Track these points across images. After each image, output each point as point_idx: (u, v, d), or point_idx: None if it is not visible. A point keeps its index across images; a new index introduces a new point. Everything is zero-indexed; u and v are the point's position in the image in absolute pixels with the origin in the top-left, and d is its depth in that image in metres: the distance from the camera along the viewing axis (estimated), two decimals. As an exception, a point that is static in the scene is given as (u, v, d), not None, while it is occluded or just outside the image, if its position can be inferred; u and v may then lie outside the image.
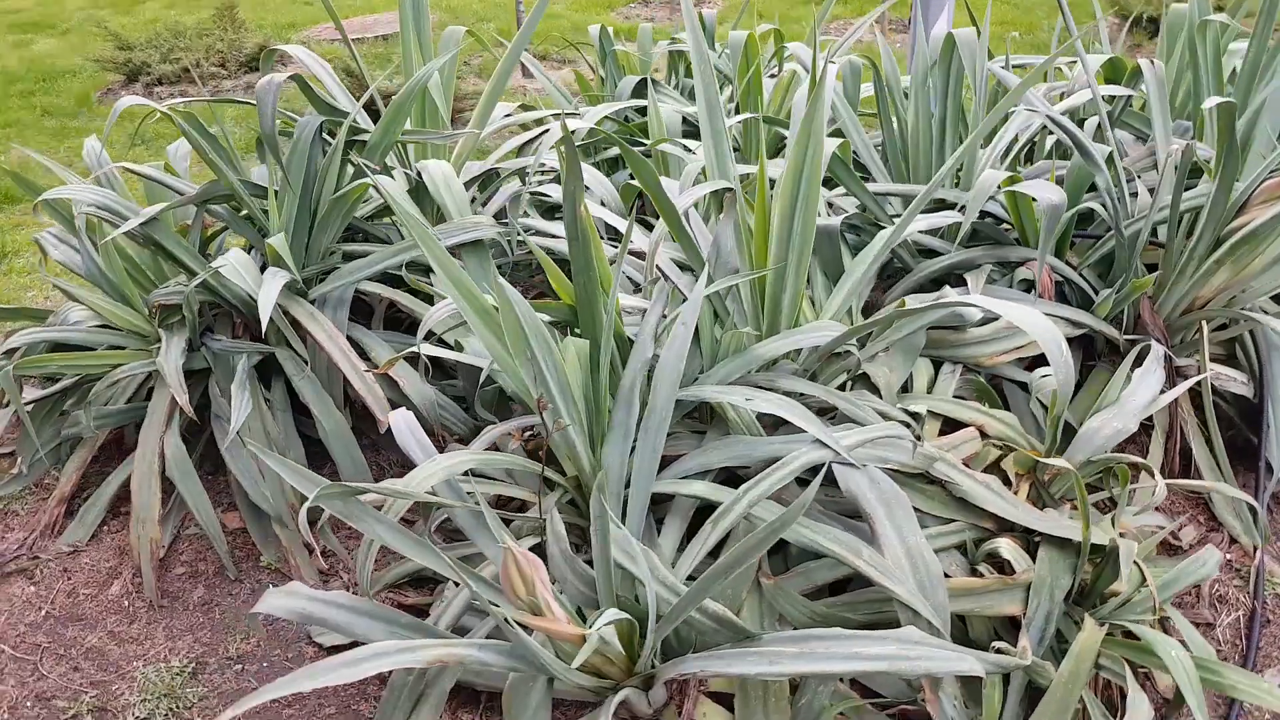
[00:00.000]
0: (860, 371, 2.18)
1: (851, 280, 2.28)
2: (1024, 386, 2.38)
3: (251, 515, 2.63)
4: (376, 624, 1.84)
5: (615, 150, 3.51)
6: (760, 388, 2.06)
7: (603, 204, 2.89)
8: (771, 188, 2.08)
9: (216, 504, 2.67)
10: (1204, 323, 2.53)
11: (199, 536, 2.69)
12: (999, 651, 1.82)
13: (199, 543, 2.68)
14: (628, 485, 1.96)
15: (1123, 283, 2.49)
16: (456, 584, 2.13)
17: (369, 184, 2.71)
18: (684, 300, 2.13)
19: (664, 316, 2.09)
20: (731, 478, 2.07)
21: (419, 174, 2.95)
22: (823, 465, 1.84)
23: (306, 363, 2.56)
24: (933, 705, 1.83)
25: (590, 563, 1.81)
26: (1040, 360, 2.48)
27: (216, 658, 2.34)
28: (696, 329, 2.17)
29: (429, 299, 2.87)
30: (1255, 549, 2.38)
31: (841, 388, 2.19)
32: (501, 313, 1.76)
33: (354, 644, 2.20)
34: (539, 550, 2.09)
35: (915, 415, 2.12)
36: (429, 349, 2.37)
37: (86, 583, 2.57)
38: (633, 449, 1.92)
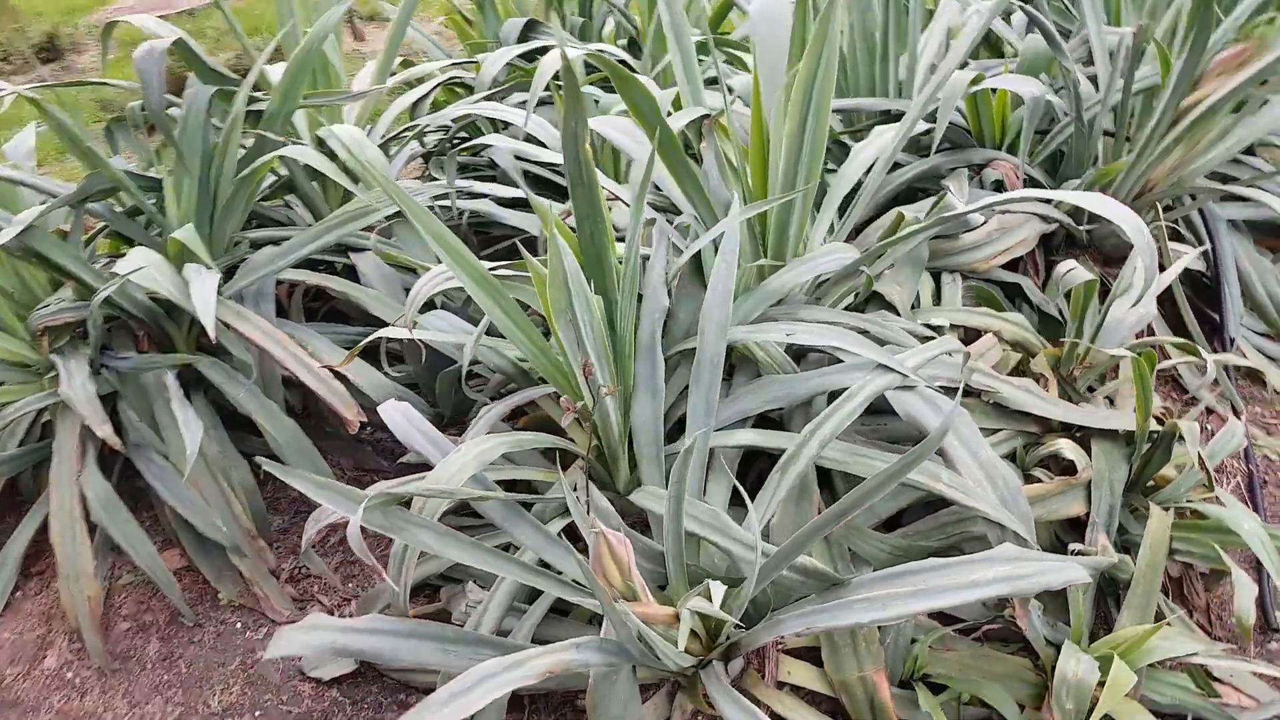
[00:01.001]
0: (870, 291, 2.10)
1: (838, 200, 2.18)
2: (1017, 287, 2.37)
3: (199, 550, 2.32)
4: (425, 644, 1.64)
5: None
6: (779, 320, 1.94)
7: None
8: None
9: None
10: (1158, 205, 2.59)
11: (136, 584, 2.36)
12: (1081, 553, 1.80)
13: (138, 591, 2.35)
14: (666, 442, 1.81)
15: (1085, 173, 2.51)
16: (479, 583, 1.94)
17: (275, 158, 2.41)
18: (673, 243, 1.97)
19: (669, 261, 1.93)
20: (764, 422, 1.95)
21: (320, 142, 2.66)
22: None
23: (251, 369, 2.25)
24: (1023, 620, 1.79)
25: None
26: (1013, 264, 2.49)
27: (199, 716, 2.06)
28: (701, 267, 2.03)
29: (359, 278, 2.61)
30: (1239, 415, 2.47)
31: (852, 309, 2.10)
32: (551, 268, 1.56)
33: (363, 670, 2.00)
34: (570, 532, 1.93)
35: (936, 328, 2.05)
36: (395, 332, 2.13)
37: (12, 660, 2.21)
38: (675, 403, 1.77)
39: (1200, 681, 1.78)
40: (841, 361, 1.87)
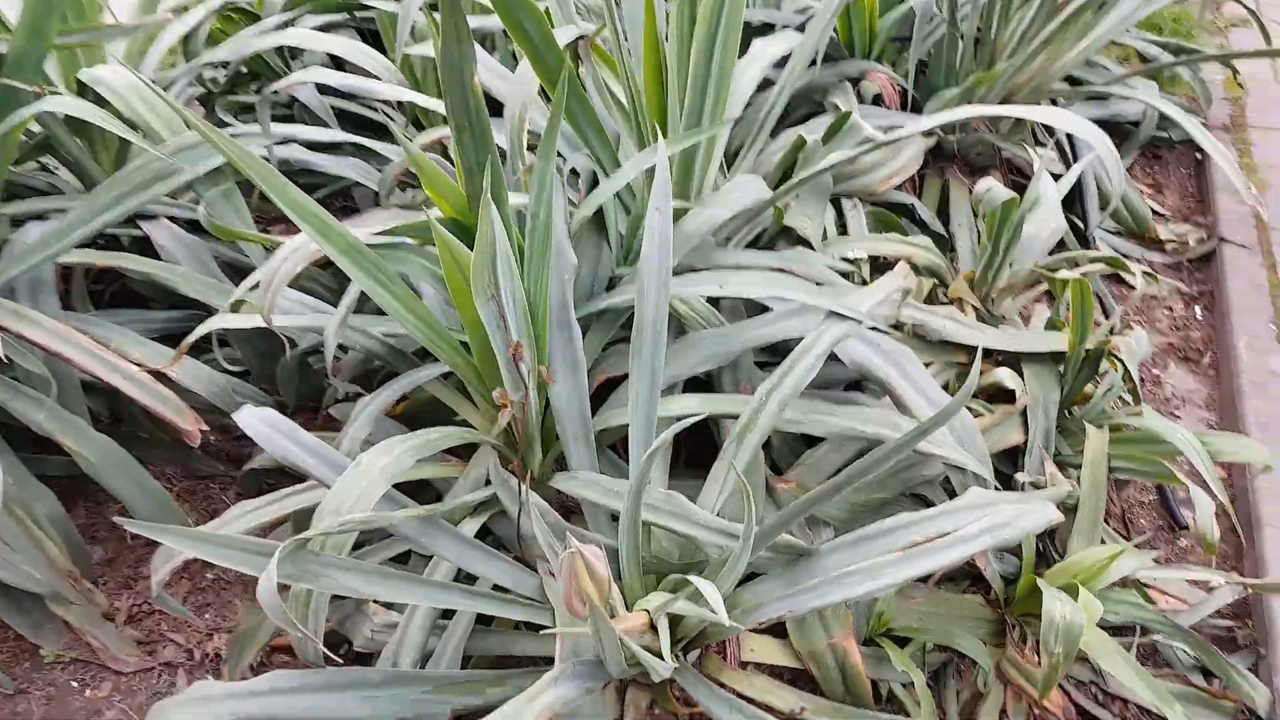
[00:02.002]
0: (780, 226, 1.95)
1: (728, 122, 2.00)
2: (906, 208, 2.30)
3: (8, 603, 1.91)
4: (347, 695, 1.40)
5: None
6: (698, 269, 1.77)
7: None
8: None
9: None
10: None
11: (-76, 659, 1.93)
12: (1033, 485, 1.76)
13: (-73, 667, 1.92)
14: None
15: (956, 80, 2.46)
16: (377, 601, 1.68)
17: (33, 114, 1.95)
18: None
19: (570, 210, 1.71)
20: (692, 386, 1.79)
21: (81, 90, 2.19)
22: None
23: (49, 383, 1.84)
24: (982, 561, 1.75)
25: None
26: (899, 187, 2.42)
27: (46, 810, 1.70)
28: (601, 216, 1.81)
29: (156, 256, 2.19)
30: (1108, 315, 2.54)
31: (761, 248, 1.96)
32: (480, 242, 1.29)
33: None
34: (486, 534, 1.70)
35: (853, 261, 1.94)
36: (233, 321, 1.79)
37: None
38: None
39: (1141, 593, 1.81)
40: (769, 310, 1.72)
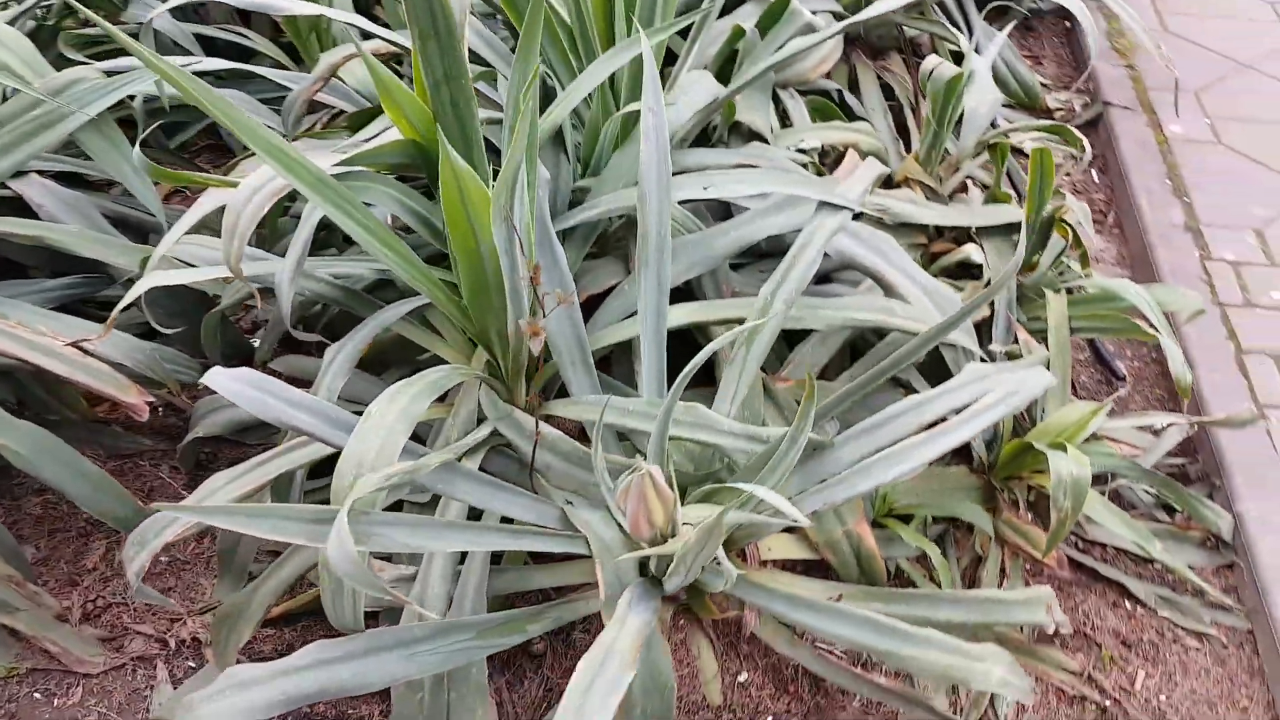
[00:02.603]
0: (731, 122, 1.92)
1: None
2: (831, 95, 2.30)
3: (-58, 622, 1.72)
4: (389, 656, 1.33)
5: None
6: (687, 175, 1.72)
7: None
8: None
9: None
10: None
11: None
12: (1009, 355, 1.83)
13: None
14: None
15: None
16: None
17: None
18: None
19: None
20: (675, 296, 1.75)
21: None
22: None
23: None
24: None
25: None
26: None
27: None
28: (560, 130, 1.73)
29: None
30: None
31: (708, 143, 1.92)
32: (509, 162, 1.19)
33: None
34: (490, 466, 1.64)
35: (806, 151, 1.93)
36: (176, 278, 1.62)
37: None
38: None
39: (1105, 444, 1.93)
40: (737, 211, 1.70)
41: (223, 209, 1.45)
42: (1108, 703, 1.71)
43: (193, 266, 1.78)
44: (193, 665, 1.77)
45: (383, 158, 1.53)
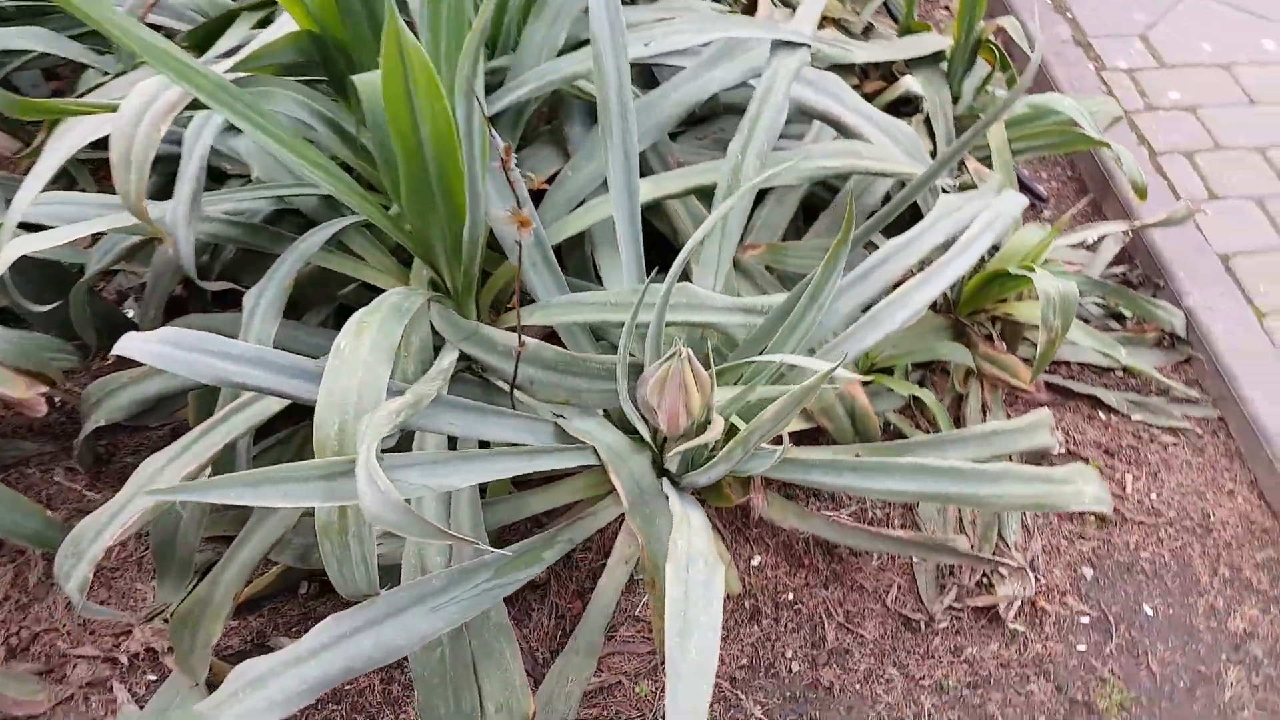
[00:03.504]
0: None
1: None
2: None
3: None
4: (437, 605, 1.19)
5: None
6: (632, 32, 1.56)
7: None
8: None
9: None
10: None
11: None
12: (963, 186, 1.79)
13: None
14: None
15: None
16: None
17: None
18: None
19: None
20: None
21: None
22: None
23: None
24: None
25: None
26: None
27: None
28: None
29: None
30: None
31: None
32: (481, 10, 1.00)
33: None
34: (455, 393, 1.49)
35: None
36: (46, 241, 1.37)
37: None
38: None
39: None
40: (683, 69, 1.57)
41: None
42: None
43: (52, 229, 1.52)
44: (153, 679, 1.57)
45: (277, 56, 1.31)
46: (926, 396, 1.67)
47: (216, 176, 1.81)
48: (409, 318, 1.25)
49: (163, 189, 1.60)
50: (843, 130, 1.58)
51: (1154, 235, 2.02)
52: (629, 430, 1.44)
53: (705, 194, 1.50)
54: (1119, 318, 1.99)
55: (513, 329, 1.49)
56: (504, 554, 1.33)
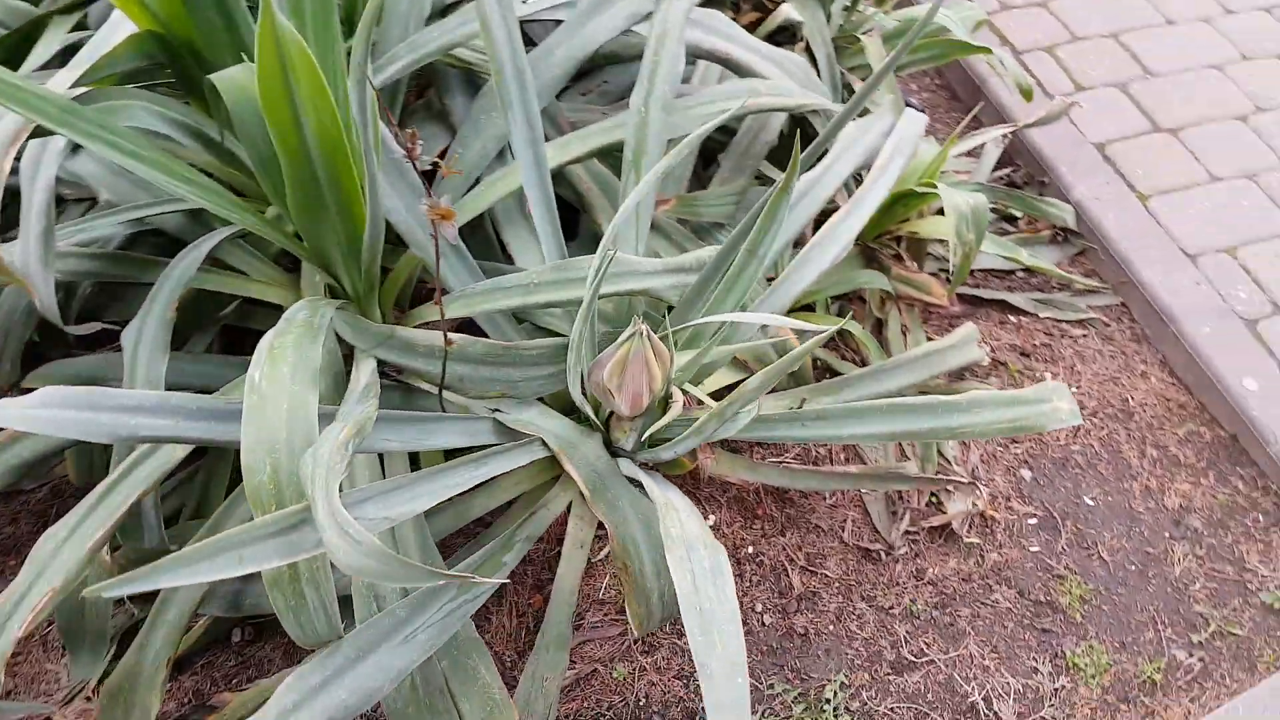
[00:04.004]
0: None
1: None
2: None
3: None
4: (416, 632, 1.11)
5: None
6: None
7: None
8: None
9: None
10: None
11: None
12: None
13: None
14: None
15: None
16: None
17: None
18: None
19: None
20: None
21: None
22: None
23: None
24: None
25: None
26: None
27: None
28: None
29: None
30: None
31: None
32: None
33: None
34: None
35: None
36: None
37: None
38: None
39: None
40: (561, 22, 1.48)
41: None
42: (1032, 413, 1.78)
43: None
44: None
45: (119, 64, 1.16)
46: (854, 328, 1.66)
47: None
48: (324, 333, 1.14)
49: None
50: (736, 69, 1.53)
51: (1032, 135, 2.06)
52: (572, 414, 1.37)
53: (606, 154, 1.43)
54: (1010, 219, 2.03)
55: (427, 326, 1.39)
56: (462, 572, 1.26)
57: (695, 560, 0.93)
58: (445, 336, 1.22)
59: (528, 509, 1.43)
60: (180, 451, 1.24)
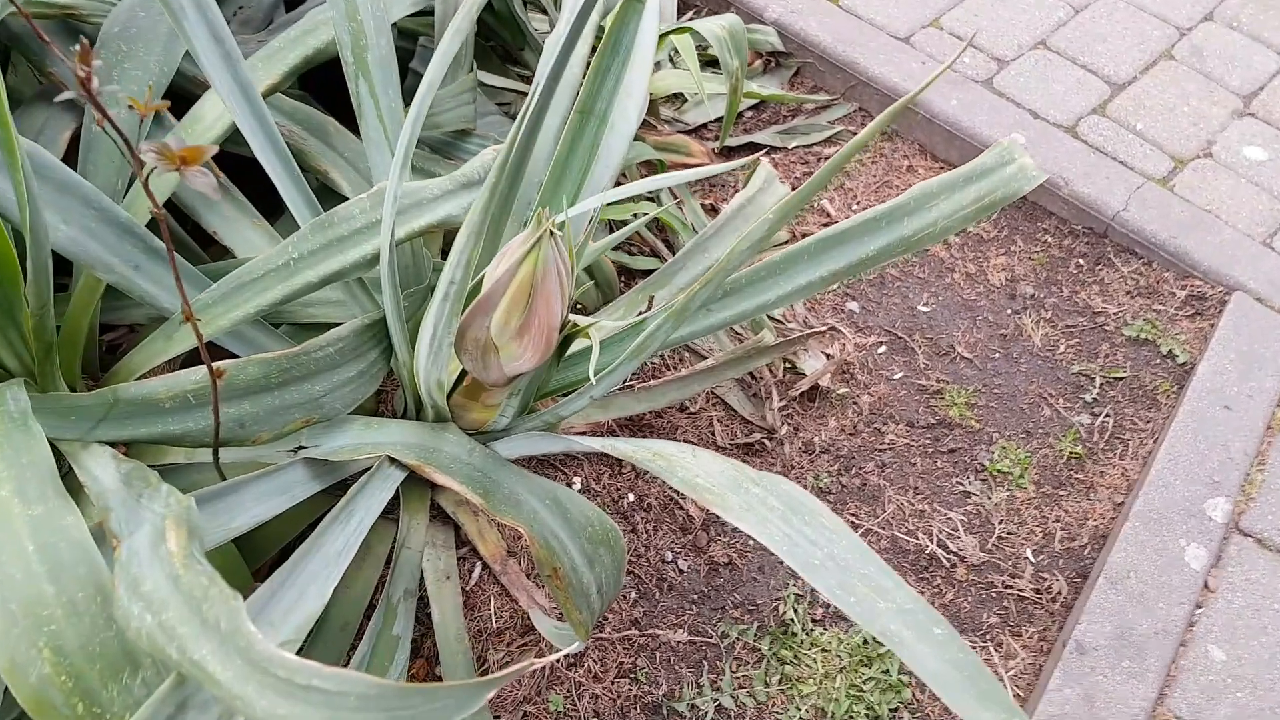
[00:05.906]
0: None
1: None
2: None
3: None
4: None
5: None
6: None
7: None
8: None
9: None
10: None
11: None
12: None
13: None
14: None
15: None
16: None
17: None
18: None
19: None
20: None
21: None
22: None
23: None
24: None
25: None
26: None
27: None
28: None
29: None
30: None
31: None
32: None
33: None
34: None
35: None
36: None
37: None
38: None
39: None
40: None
41: None
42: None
43: None
44: None
45: None
46: (656, 209, 1.45)
47: None
48: (31, 419, 0.74)
49: None
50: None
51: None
52: (405, 415, 1.05)
53: (305, 75, 1.08)
54: (713, 63, 1.89)
55: (151, 375, 0.99)
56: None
57: (766, 504, 0.68)
58: (209, 366, 0.84)
59: (383, 554, 1.10)
60: None
